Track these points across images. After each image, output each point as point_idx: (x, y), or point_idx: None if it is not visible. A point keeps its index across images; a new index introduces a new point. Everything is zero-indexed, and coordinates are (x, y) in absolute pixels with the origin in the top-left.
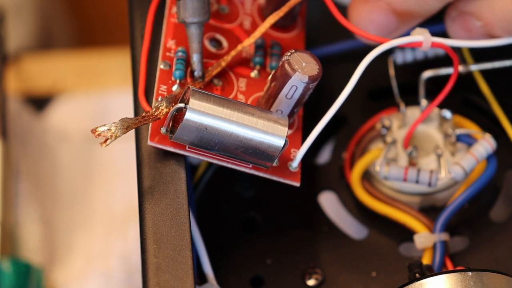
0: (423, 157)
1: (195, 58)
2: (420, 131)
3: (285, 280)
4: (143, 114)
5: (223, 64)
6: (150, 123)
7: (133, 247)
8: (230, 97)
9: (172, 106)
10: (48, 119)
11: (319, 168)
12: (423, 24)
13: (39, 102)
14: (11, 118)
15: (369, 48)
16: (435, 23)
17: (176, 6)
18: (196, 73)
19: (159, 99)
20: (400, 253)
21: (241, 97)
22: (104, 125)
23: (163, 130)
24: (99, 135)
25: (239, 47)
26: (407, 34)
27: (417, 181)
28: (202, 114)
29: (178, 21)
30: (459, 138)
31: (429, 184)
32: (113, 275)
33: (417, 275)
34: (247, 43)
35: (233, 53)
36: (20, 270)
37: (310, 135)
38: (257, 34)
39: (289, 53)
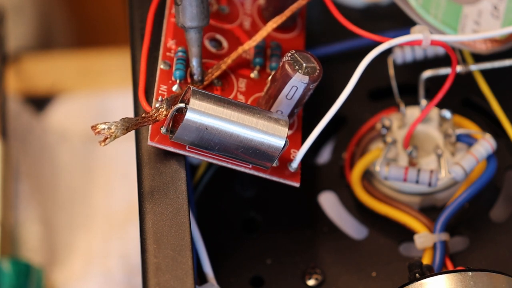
0: (423, 157)
1: (195, 62)
2: (420, 131)
3: (285, 280)
4: (143, 115)
5: (224, 67)
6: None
7: (133, 247)
8: (230, 97)
9: (172, 108)
10: (48, 119)
11: (319, 168)
12: None
13: (39, 102)
14: (11, 118)
15: (369, 48)
16: None
17: (175, 10)
18: (195, 77)
19: (159, 100)
20: (400, 253)
21: (241, 98)
22: (105, 123)
23: (163, 130)
24: (98, 132)
25: (240, 50)
26: (407, 33)
27: (417, 181)
28: (202, 114)
29: (177, 25)
30: (459, 138)
31: (429, 184)
32: (113, 275)
33: (417, 275)
34: (248, 47)
35: (233, 56)
36: (20, 270)
37: (310, 136)
38: (258, 38)
39: (289, 54)
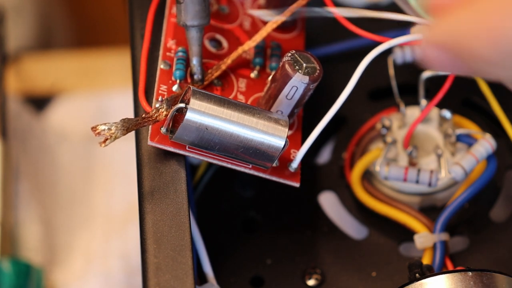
0: (423, 157)
1: (195, 61)
2: (420, 131)
3: (285, 280)
4: (143, 115)
5: (223, 67)
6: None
7: (133, 247)
8: (230, 97)
9: (172, 108)
10: (48, 119)
11: (319, 168)
12: None
13: (39, 102)
14: (11, 118)
15: (369, 48)
16: None
17: (176, 9)
18: (196, 76)
19: (160, 100)
20: (400, 253)
21: (241, 98)
22: (105, 124)
23: (163, 130)
24: (98, 133)
25: (240, 50)
26: (407, 33)
27: (417, 181)
28: (202, 114)
29: (178, 24)
30: (459, 138)
31: (429, 184)
32: (113, 275)
33: (417, 275)
34: (248, 47)
35: (233, 56)
36: (20, 270)
37: (310, 136)
38: (258, 38)
39: (289, 54)
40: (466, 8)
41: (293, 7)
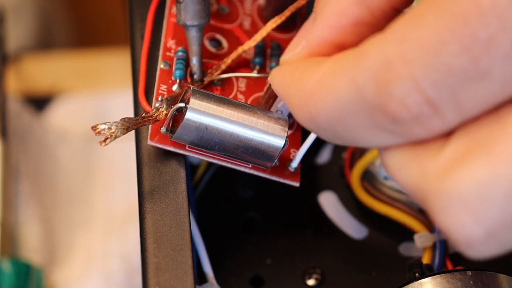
0: None
1: (195, 61)
2: None
3: (285, 280)
4: (143, 114)
5: (223, 67)
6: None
7: (133, 247)
8: (230, 97)
9: (172, 107)
10: (48, 119)
11: (319, 168)
12: None
13: (39, 102)
14: (11, 118)
15: None
16: None
17: (176, 8)
18: (196, 76)
19: (159, 99)
20: (400, 253)
21: (240, 97)
22: (105, 123)
23: (163, 129)
24: (98, 133)
25: (240, 50)
26: None
27: None
28: (202, 113)
29: (178, 24)
30: None
31: None
32: (113, 275)
33: (417, 274)
34: (247, 47)
35: (233, 56)
36: (20, 270)
37: (310, 135)
38: (258, 37)
39: None
40: (299, 68)
41: (293, 7)
